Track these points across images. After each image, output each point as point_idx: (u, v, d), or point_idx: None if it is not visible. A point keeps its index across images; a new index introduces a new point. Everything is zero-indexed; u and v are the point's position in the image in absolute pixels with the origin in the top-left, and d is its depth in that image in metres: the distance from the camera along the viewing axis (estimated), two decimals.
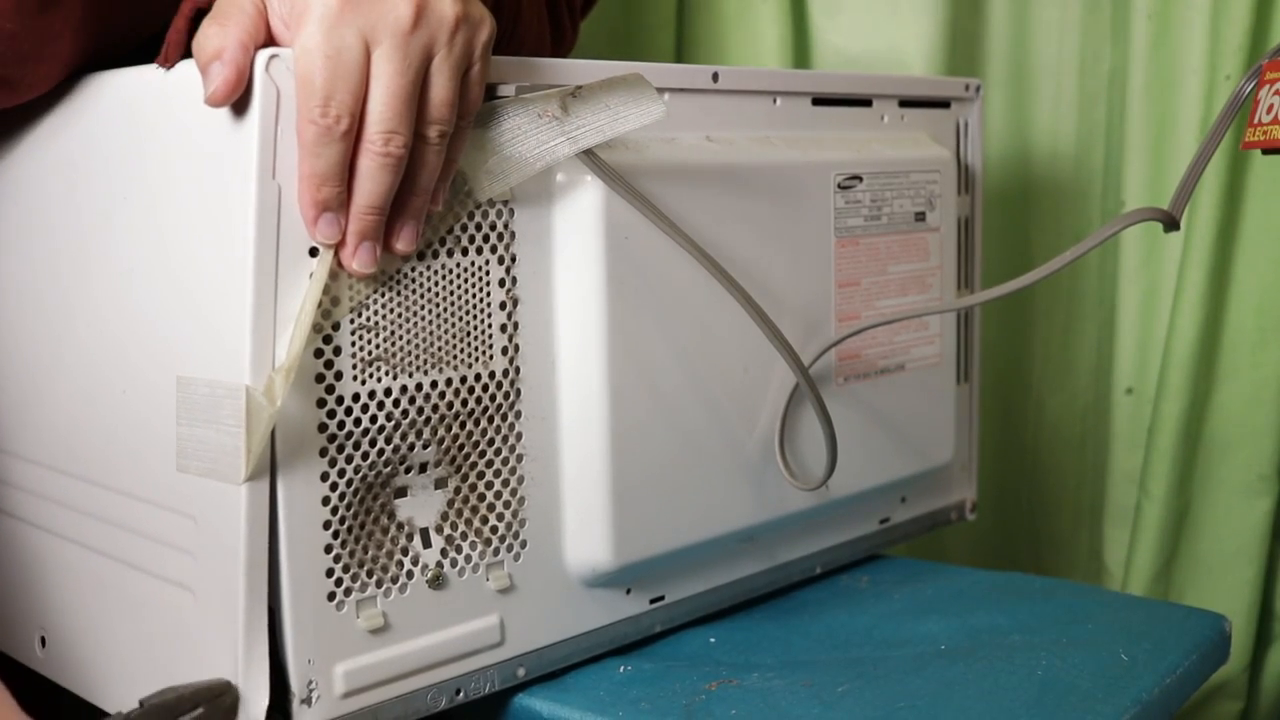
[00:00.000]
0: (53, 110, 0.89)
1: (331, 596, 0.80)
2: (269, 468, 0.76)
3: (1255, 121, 0.83)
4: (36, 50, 0.83)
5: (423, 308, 0.82)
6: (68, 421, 0.90)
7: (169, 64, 0.78)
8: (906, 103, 1.15)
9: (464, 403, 0.85)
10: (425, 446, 0.83)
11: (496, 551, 0.88)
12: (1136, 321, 1.56)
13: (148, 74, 0.80)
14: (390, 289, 0.80)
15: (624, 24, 1.54)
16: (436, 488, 0.84)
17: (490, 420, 0.86)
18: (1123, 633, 1.03)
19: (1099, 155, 1.59)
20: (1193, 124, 1.49)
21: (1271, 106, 0.82)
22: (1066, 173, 1.60)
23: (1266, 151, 0.83)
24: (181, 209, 0.79)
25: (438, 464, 0.84)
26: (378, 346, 0.79)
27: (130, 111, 0.82)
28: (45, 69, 0.84)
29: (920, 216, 1.12)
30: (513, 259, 0.86)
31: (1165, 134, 1.51)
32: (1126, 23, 1.52)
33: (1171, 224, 0.87)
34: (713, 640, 1.03)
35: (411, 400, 0.82)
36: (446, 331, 0.83)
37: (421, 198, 0.77)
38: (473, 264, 0.84)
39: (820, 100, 1.07)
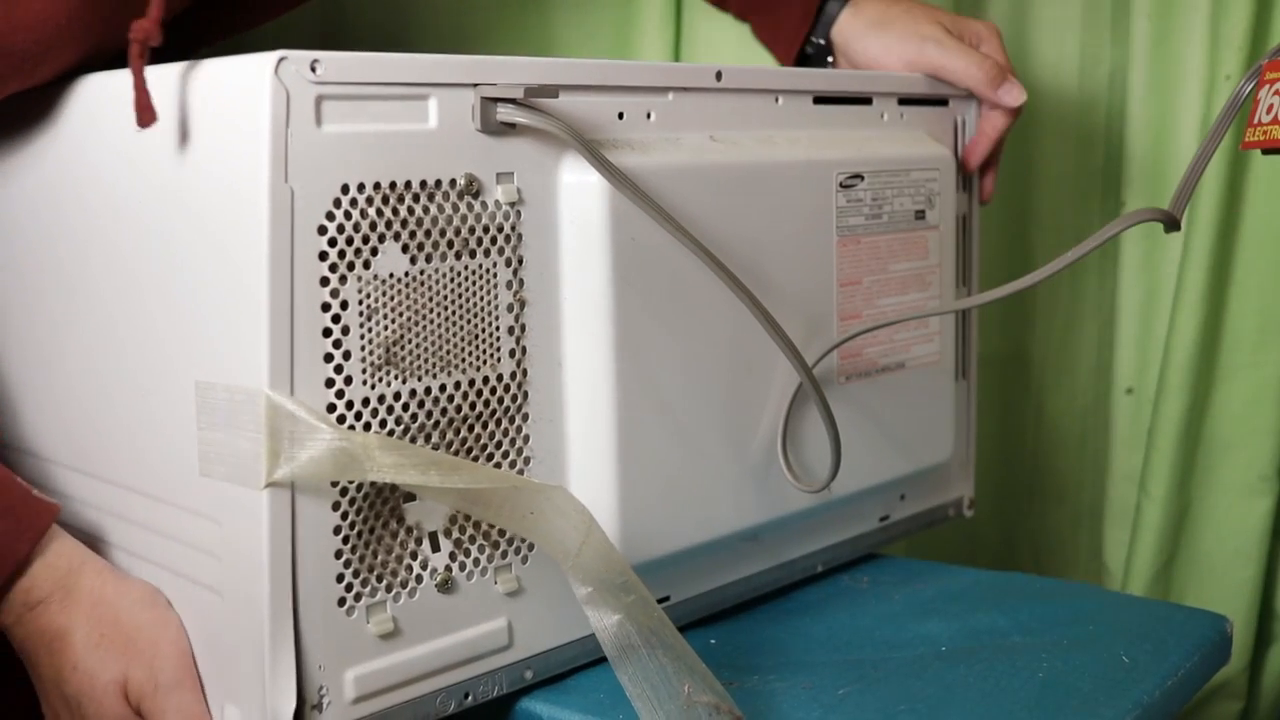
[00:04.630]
0: (62, 112, 0.88)
1: (342, 602, 0.79)
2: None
3: (1255, 121, 0.83)
4: (59, 43, 0.84)
5: (431, 310, 0.81)
6: (90, 424, 0.90)
7: (148, 123, 0.79)
8: (906, 100, 1.15)
9: (472, 405, 0.84)
10: (434, 450, 0.83)
11: (504, 554, 0.88)
12: (1136, 321, 1.57)
13: (156, 74, 0.80)
14: (399, 292, 0.79)
15: (624, 24, 1.54)
16: None
17: (498, 423, 0.86)
18: (1123, 634, 1.03)
19: (1099, 155, 1.59)
20: (1193, 124, 1.49)
21: (1271, 106, 0.82)
22: (1066, 172, 1.60)
23: (1266, 151, 0.83)
24: (194, 212, 0.78)
25: None
26: (387, 350, 0.79)
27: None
28: (68, 52, 0.85)
29: (920, 215, 1.12)
30: (520, 261, 0.86)
31: (1165, 134, 1.52)
32: (1126, 23, 1.52)
33: (1172, 224, 0.87)
34: (713, 642, 1.02)
35: (420, 404, 0.82)
36: (455, 334, 0.83)
37: None
38: (480, 266, 0.84)
39: (821, 99, 1.07)
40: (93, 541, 0.90)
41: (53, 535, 0.85)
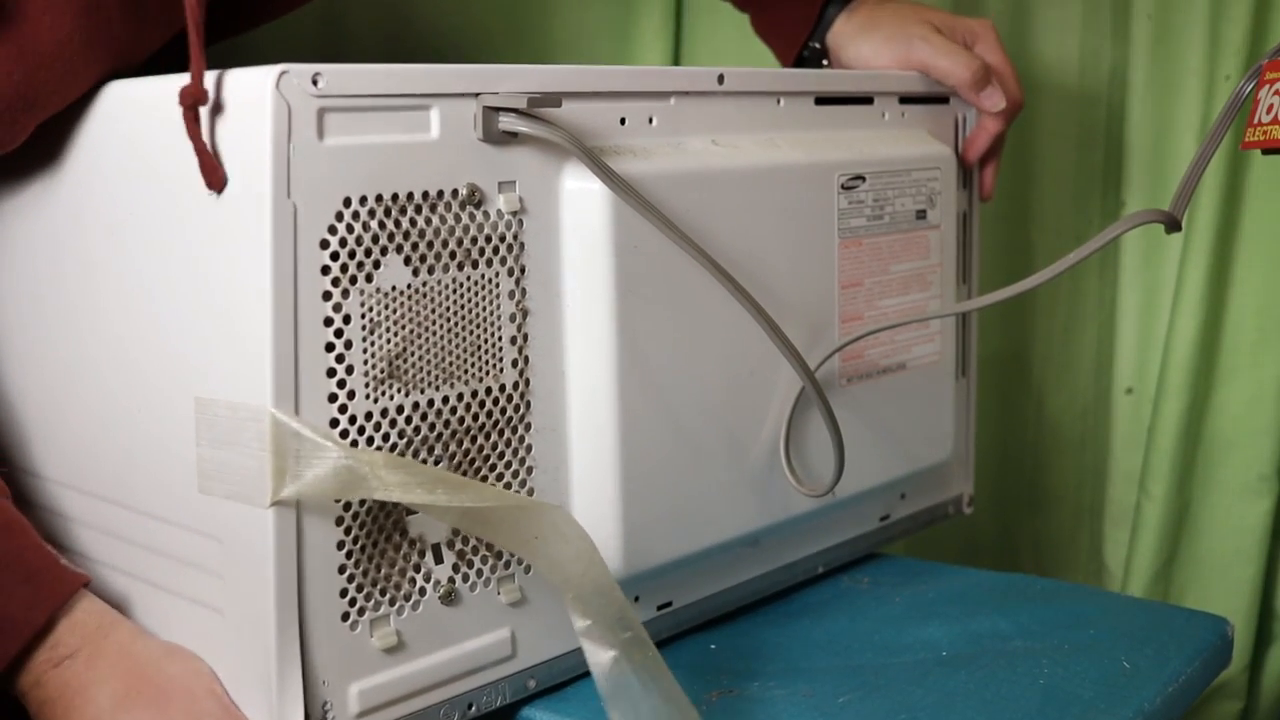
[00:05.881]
0: (63, 126, 0.88)
1: (345, 616, 0.79)
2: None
3: (1255, 121, 0.83)
4: (73, 73, 0.84)
5: (434, 322, 0.81)
6: (88, 442, 0.89)
7: (219, 186, 0.76)
8: (906, 99, 1.15)
9: (475, 417, 0.84)
10: (436, 462, 0.82)
11: (507, 565, 0.87)
12: (1136, 321, 1.57)
13: (158, 87, 0.79)
14: (402, 305, 0.79)
15: (623, 25, 1.53)
16: None
17: (500, 433, 0.86)
18: (1125, 638, 1.03)
19: (1099, 155, 1.59)
20: (1193, 124, 1.50)
21: (1271, 106, 0.82)
22: (1067, 173, 1.60)
23: (1266, 151, 0.83)
24: (196, 227, 0.78)
25: None
26: (390, 364, 0.79)
27: (142, 128, 0.82)
28: (73, 90, 0.84)
29: (921, 214, 1.12)
30: (522, 270, 0.86)
31: (1165, 134, 1.52)
32: (1126, 23, 1.53)
33: (1173, 225, 0.87)
34: (713, 647, 1.02)
35: (424, 416, 0.81)
36: (457, 346, 0.83)
37: None
38: (483, 276, 0.83)
39: (823, 99, 1.06)
40: (92, 564, 0.90)
41: (80, 597, 0.82)
